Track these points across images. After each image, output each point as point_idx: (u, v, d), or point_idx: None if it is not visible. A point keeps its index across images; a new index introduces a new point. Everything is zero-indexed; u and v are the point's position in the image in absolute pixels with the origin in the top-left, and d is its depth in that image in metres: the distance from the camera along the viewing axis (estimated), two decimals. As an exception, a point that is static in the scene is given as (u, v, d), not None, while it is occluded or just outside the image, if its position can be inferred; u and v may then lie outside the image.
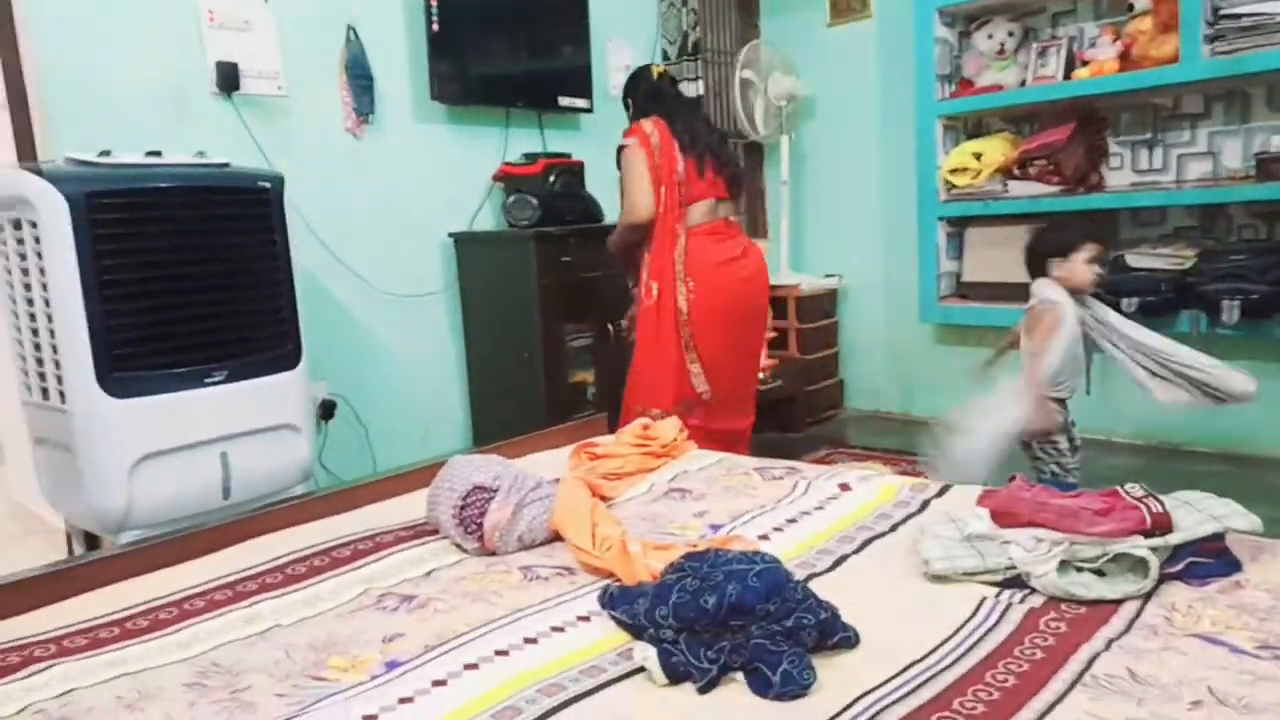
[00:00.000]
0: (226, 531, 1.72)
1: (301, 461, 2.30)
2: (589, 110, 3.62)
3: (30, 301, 1.99)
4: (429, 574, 1.52)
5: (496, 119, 3.38)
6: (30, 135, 2.37)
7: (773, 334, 4.18)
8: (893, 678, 1.06)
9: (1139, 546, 1.22)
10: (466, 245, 3.23)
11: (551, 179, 3.24)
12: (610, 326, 3.28)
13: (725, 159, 2.89)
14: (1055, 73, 3.65)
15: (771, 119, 4.38)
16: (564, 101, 3.52)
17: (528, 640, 1.23)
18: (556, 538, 1.61)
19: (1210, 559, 1.25)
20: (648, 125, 2.79)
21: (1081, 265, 2.41)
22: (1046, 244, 2.49)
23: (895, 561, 1.42)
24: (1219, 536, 1.27)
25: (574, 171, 3.36)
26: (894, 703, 1.00)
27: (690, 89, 4.03)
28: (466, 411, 3.33)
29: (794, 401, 4.21)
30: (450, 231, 3.22)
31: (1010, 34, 3.77)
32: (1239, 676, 1.00)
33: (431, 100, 3.11)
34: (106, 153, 2.04)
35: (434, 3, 3.03)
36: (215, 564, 1.59)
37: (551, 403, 3.06)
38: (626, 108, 2.96)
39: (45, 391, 2.01)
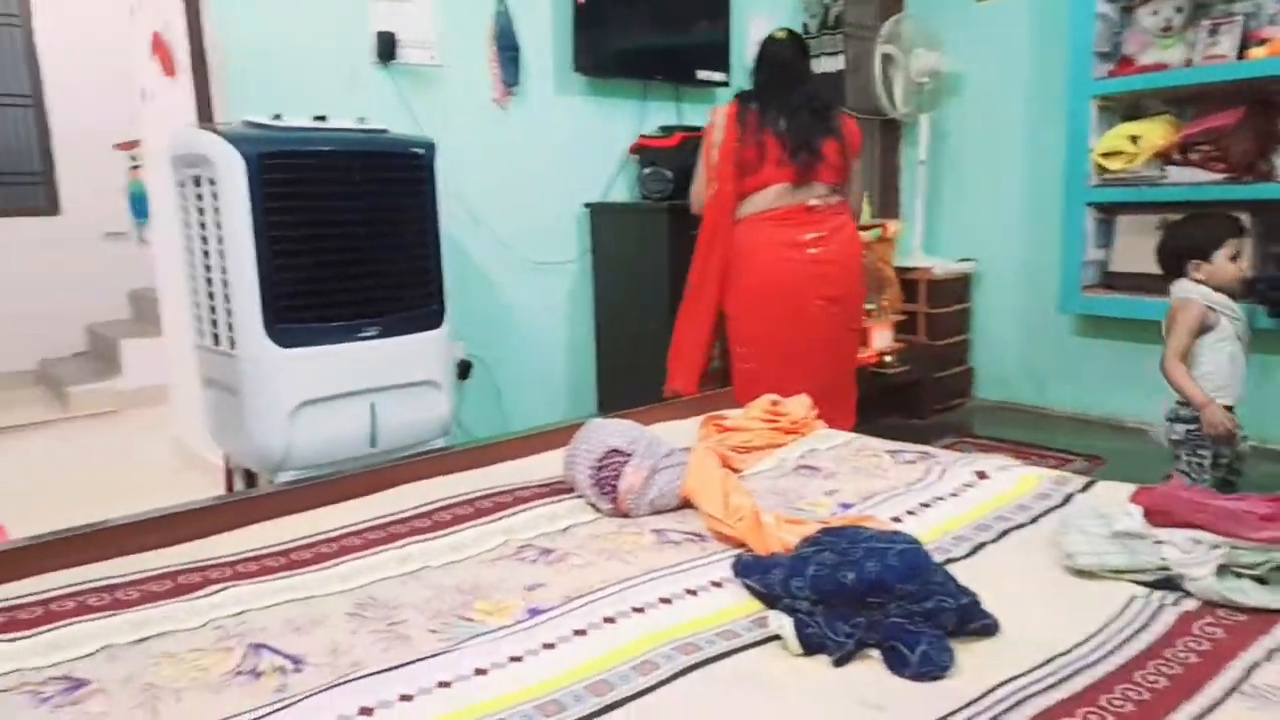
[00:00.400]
0: (375, 477, 1.83)
1: (442, 417, 2.41)
2: (726, 84, 3.61)
3: (207, 253, 2.15)
4: (565, 530, 1.58)
5: (634, 91, 3.41)
6: (208, 97, 2.54)
7: (901, 317, 4.09)
8: (1034, 669, 1.05)
9: None
10: (601, 215, 3.29)
11: (686, 152, 3.25)
12: (738, 302, 3.27)
13: (819, 140, 2.75)
14: (1227, 52, 3.41)
15: (911, 96, 4.26)
16: (701, 75, 3.52)
17: (662, 600, 1.27)
18: (687, 505, 1.64)
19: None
20: (718, 114, 2.80)
21: (1225, 262, 2.28)
22: (1184, 241, 2.36)
23: (1036, 553, 1.39)
24: None
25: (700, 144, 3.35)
26: (1035, 694, 0.99)
27: (830, 64, 3.95)
28: (594, 378, 3.40)
29: (920, 387, 4.12)
30: (585, 202, 3.29)
31: (1178, 10, 3.54)
32: None
33: (573, 72, 3.17)
34: (278, 116, 2.17)
35: (581, -26, 3.07)
36: (367, 506, 1.69)
37: (677, 374, 3.09)
38: None
39: (216, 337, 2.17)
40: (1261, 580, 1.18)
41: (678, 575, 1.35)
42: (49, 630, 1.21)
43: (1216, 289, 2.29)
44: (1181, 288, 2.35)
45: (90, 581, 1.36)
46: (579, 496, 1.71)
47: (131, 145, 4.78)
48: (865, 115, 4.44)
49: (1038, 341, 4.22)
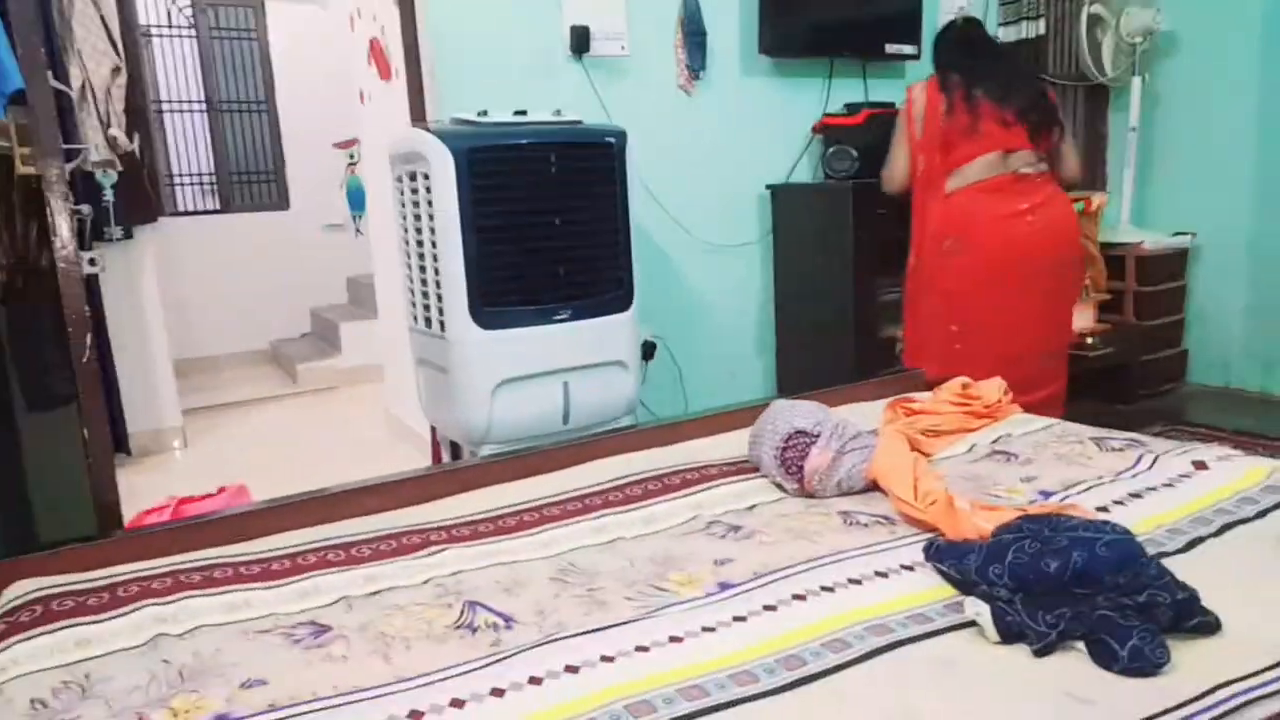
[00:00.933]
0: (570, 452, 1.93)
1: (628, 396, 2.50)
2: (916, 57, 3.48)
3: (420, 243, 2.33)
4: (751, 508, 1.61)
5: (819, 70, 3.37)
6: (421, 97, 2.74)
7: (1106, 296, 3.83)
8: (1260, 671, 0.98)
9: None
10: (783, 197, 3.28)
11: (873, 130, 3.17)
12: (926, 282, 3.18)
13: (1028, 105, 2.71)
14: None
15: (1122, 58, 3.95)
16: (890, 49, 3.42)
17: (851, 581, 1.28)
18: (874, 487, 1.63)
19: None
20: (916, 90, 2.79)
21: None
22: None
23: (1262, 550, 1.29)
24: None
25: (896, 122, 3.26)
26: (1261, 698, 0.94)
27: (1029, 29, 3.73)
28: (772, 361, 3.41)
29: (1126, 371, 3.84)
30: (768, 184, 3.28)
31: None
32: None
33: (759, 54, 3.17)
34: (484, 113, 2.31)
35: (770, -44, 3.06)
36: (563, 479, 1.79)
37: (859, 357, 3.04)
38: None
39: (429, 320, 2.35)
40: None
41: (867, 557, 1.36)
42: (297, 580, 1.37)
43: None
44: None
45: (328, 539, 1.52)
46: (764, 476, 1.73)
47: (349, 144, 5.22)
48: (1068, 82, 4.16)
49: (1266, 321, 3.82)
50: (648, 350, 3.01)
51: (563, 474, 1.83)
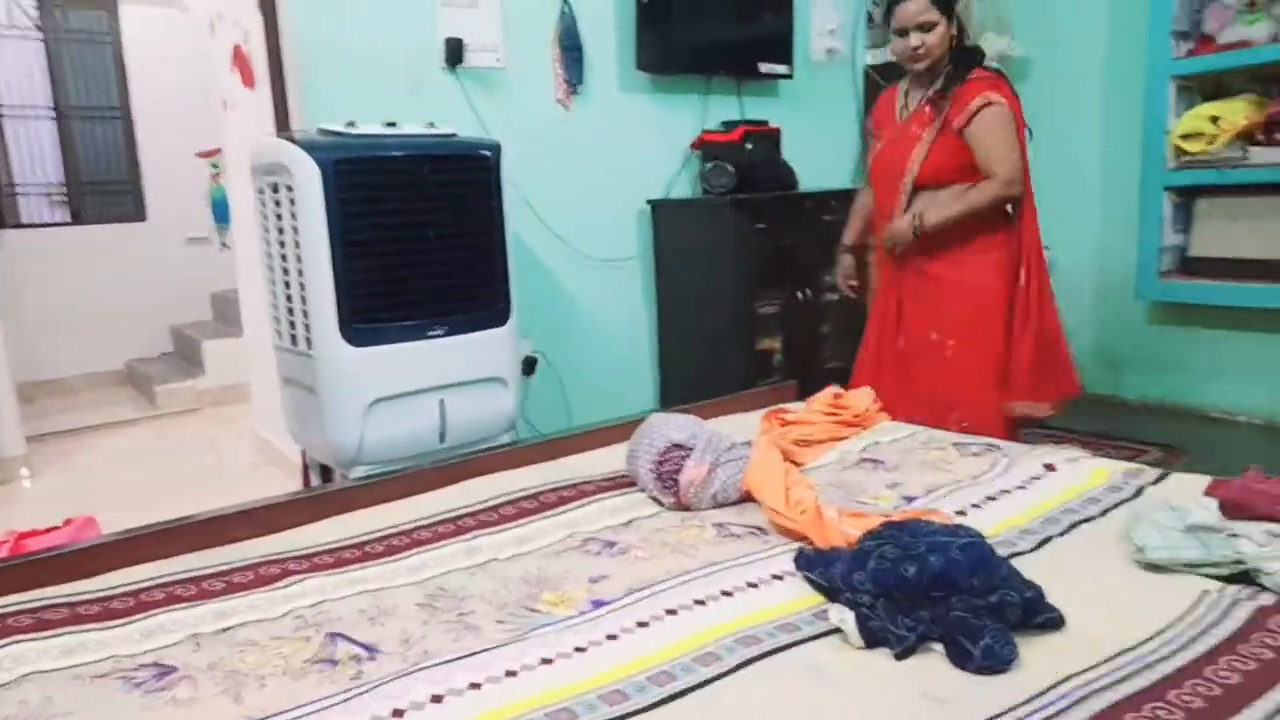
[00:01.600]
0: (444, 472, 1.88)
1: (508, 412, 2.46)
2: (789, 76, 3.59)
3: (284, 257, 2.24)
4: (629, 523, 1.60)
5: (697, 87, 3.42)
6: (285, 107, 2.63)
7: (970, 308, 4.01)
8: (1101, 664, 1.03)
9: None
10: (663, 212, 3.31)
11: (749, 146, 3.25)
12: (800, 294, 3.27)
13: None
14: (1318, 26, 3.26)
15: (980, 82, 4.17)
16: (764, 68, 3.51)
17: (724, 593, 1.28)
18: (748, 498, 1.65)
19: None
20: (1003, 88, 2.38)
21: None
22: None
23: (1105, 547, 1.37)
24: None
25: (771, 139, 3.35)
26: (1102, 689, 0.98)
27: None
28: (655, 373, 3.43)
29: (990, 379, 4.04)
30: (648, 199, 3.31)
31: (1264, -17, 3.39)
32: None
33: (637, 70, 3.19)
34: (352, 123, 2.24)
35: (642, -29, 3.09)
36: (436, 500, 1.74)
37: (739, 368, 3.10)
38: (969, 63, 2.40)
39: (294, 338, 2.26)
40: None
41: (739, 568, 1.37)
42: (140, 619, 1.28)
43: None
44: None
45: (178, 573, 1.43)
46: (641, 490, 1.73)
47: (212, 153, 4.99)
48: (931, 103, 4.36)
49: (1112, 329, 4.10)
50: (529, 365, 2.98)
51: (436, 495, 1.78)
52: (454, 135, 2.36)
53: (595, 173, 3.18)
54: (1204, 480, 1.51)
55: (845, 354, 3.47)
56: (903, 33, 2.36)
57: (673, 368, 3.38)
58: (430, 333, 2.26)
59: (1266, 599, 1.16)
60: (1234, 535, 1.21)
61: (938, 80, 2.40)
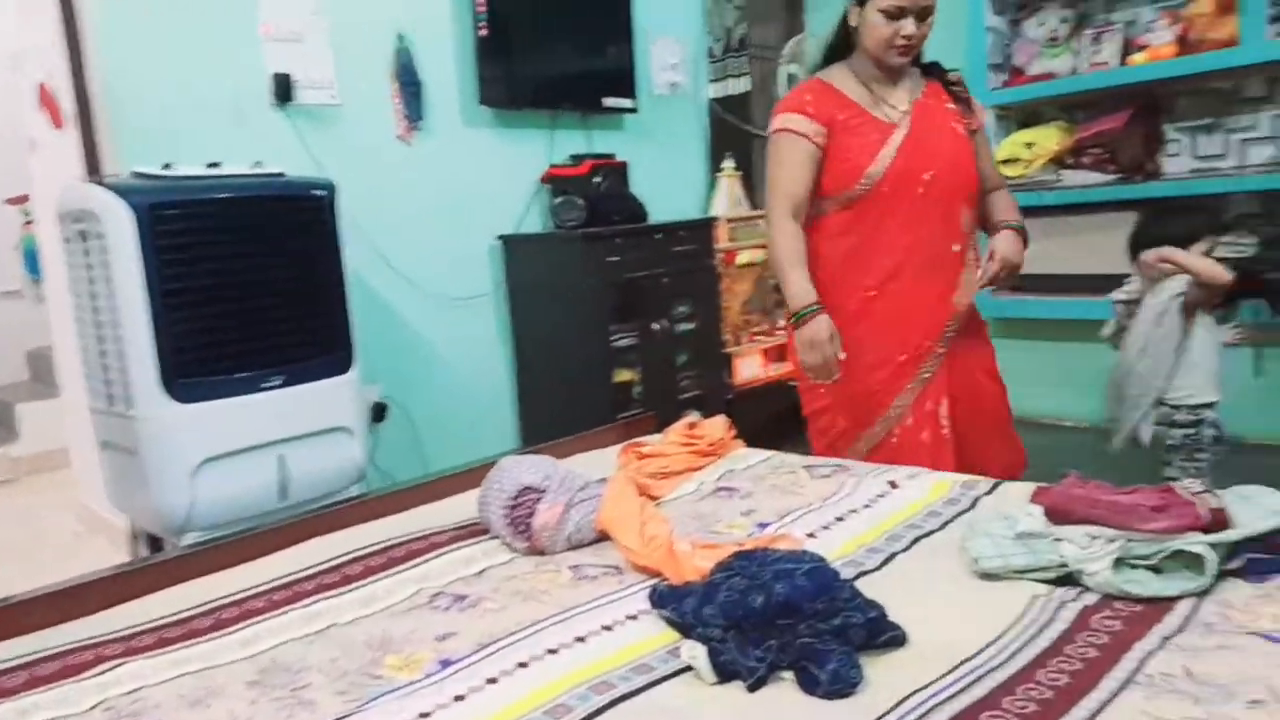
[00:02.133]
0: (284, 533, 1.77)
1: (355, 463, 2.35)
2: (633, 110, 3.63)
3: (98, 310, 2.07)
4: (481, 573, 1.54)
5: (543, 121, 3.42)
6: (95, 149, 2.46)
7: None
8: (942, 676, 1.05)
9: (1196, 543, 1.19)
10: (514, 247, 3.27)
11: (597, 180, 3.26)
12: (655, 325, 3.29)
13: None
14: (1110, 59, 3.56)
15: (817, 114, 4.35)
16: (608, 102, 3.54)
17: (578, 639, 1.24)
18: (605, 537, 1.62)
19: (1271, 554, 1.22)
20: None
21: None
22: (1159, 234, 2.29)
23: (945, 560, 1.41)
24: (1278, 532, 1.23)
25: (619, 172, 3.38)
26: (944, 701, 1.00)
27: (736, 86, 4.02)
28: (514, 412, 3.37)
29: (843, 398, 4.18)
30: (498, 234, 3.26)
31: (1063, 20, 3.70)
32: (1301, 676, 0.97)
33: (479, 105, 3.16)
34: (169, 165, 2.11)
35: (482, 8, 3.07)
36: (274, 564, 1.63)
37: (599, 402, 3.08)
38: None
39: (111, 397, 2.09)
40: (1156, 570, 1.21)
41: (594, 611, 1.33)
42: (-77, 725, 1.13)
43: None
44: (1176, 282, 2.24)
45: (-30, 668, 1.28)
46: (494, 537, 1.67)
47: (20, 199, 4.61)
48: (773, 134, 4.52)
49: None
50: (379, 412, 2.87)
51: (274, 559, 1.67)
52: (282, 175, 2.25)
53: (442, 209, 3.12)
54: (1031, 488, 1.59)
55: (702, 382, 3.53)
56: (895, 14, 1.92)
57: (532, 405, 3.33)
58: (265, 384, 2.14)
59: (1090, 599, 1.21)
60: (1058, 540, 1.27)
61: (908, 75, 2.08)
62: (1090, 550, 1.22)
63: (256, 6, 2.64)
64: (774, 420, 4.02)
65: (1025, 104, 3.86)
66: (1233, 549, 1.22)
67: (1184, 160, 3.56)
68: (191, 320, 2.03)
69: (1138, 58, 3.43)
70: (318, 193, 2.27)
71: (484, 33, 3.07)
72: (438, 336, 3.14)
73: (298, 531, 1.77)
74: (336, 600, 1.46)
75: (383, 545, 1.68)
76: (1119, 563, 1.21)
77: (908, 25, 1.92)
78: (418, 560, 1.60)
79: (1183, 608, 1.17)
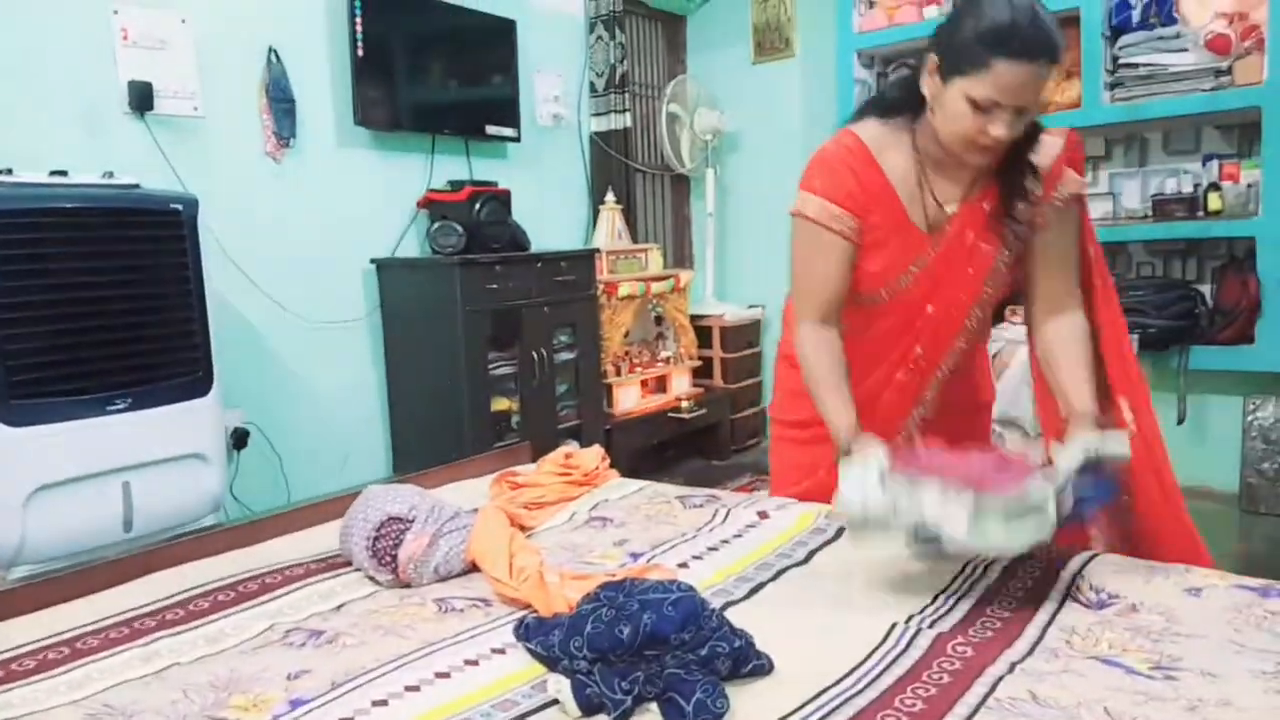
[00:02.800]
0: (125, 565, 1.64)
1: (211, 492, 2.22)
2: (516, 139, 3.62)
3: (-82, 324, 1.89)
4: (339, 608, 1.47)
5: (422, 145, 3.36)
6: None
7: (698, 363, 4.22)
8: (805, 704, 1.06)
9: (1040, 489, 1.27)
10: (389, 272, 3.19)
11: (478, 206, 3.23)
12: (534, 354, 3.27)
13: None
14: (967, 114, 3.80)
15: (697, 152, 4.46)
16: (491, 130, 3.52)
17: (439, 675, 1.20)
18: (474, 569, 1.58)
19: (1098, 481, 1.33)
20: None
21: None
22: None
23: (810, 589, 1.44)
24: (1098, 463, 1.34)
25: (500, 200, 3.35)
26: (807, 728, 1.01)
27: (618, 121, 4.07)
28: (387, 440, 3.27)
29: (719, 430, 4.25)
30: (373, 258, 3.18)
31: (925, 76, 3.91)
32: (1133, 697, 1.03)
33: (355, 125, 3.08)
34: (9, 171, 1.96)
35: (360, 27, 3.00)
36: (112, 600, 1.51)
37: (475, 431, 3.02)
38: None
39: (-67, 419, 1.91)
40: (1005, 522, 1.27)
41: (458, 645, 1.29)
42: None
43: None
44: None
45: None
46: (357, 570, 1.61)
47: None
48: (655, 171, 4.60)
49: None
50: (239, 438, 2.73)
51: (114, 593, 1.54)
52: (137, 187, 2.13)
53: (313, 231, 3.01)
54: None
55: (581, 412, 3.52)
56: (987, 107, 1.37)
57: (406, 434, 3.23)
58: (111, 407, 2.00)
59: (945, 625, 1.26)
60: (916, 485, 1.30)
61: (982, 174, 1.55)
62: (945, 510, 1.27)
63: (113, 10, 2.50)
64: (653, 450, 4.06)
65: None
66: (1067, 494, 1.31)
67: (1033, 212, 3.81)
68: (30, 338, 1.88)
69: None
70: (176, 206, 2.15)
71: (361, 53, 3.01)
72: (307, 361, 3.01)
73: (141, 564, 1.65)
74: (180, 638, 1.37)
75: (234, 579, 1.58)
76: (972, 518, 1.26)
77: (998, 124, 1.37)
78: (272, 595, 1.52)
79: (1031, 633, 1.23)
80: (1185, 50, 3.12)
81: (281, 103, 2.84)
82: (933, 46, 1.46)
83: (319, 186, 3.02)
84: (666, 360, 4.14)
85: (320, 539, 1.80)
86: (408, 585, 1.56)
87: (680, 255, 4.86)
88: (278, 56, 2.85)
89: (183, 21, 2.64)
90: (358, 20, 2.99)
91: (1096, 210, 3.62)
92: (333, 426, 3.10)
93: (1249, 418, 3.19)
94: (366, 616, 1.43)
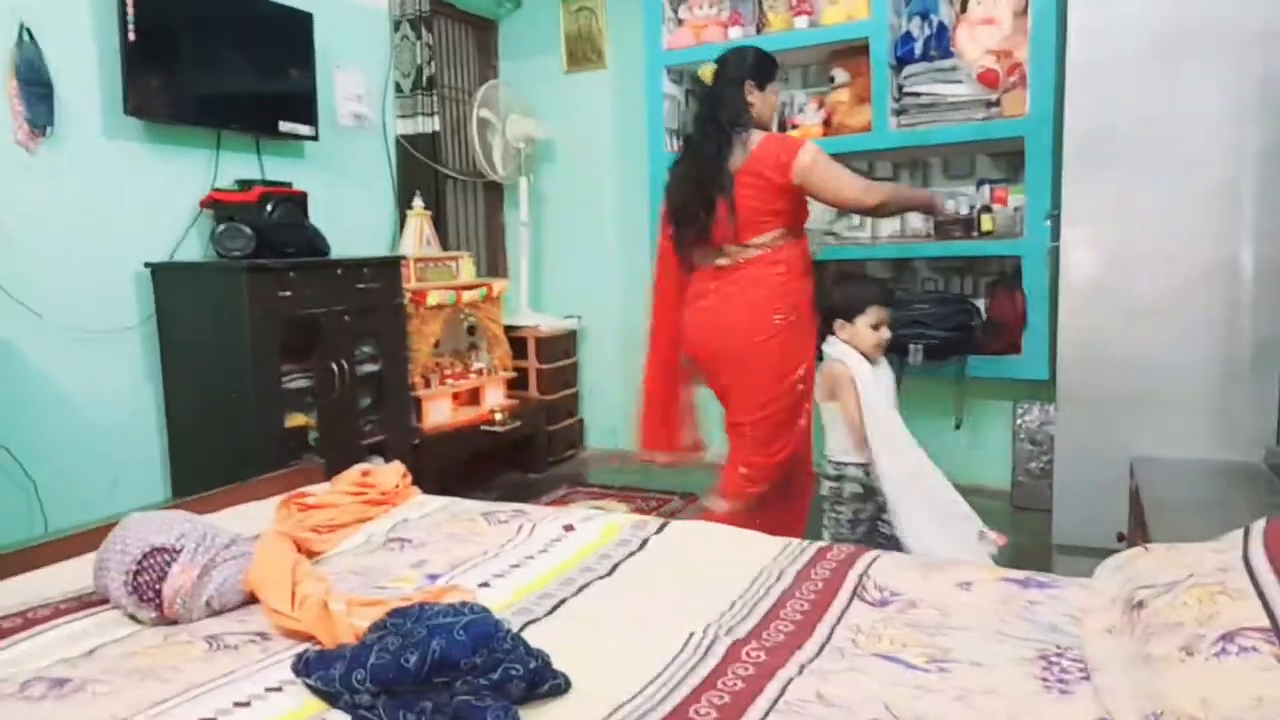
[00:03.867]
0: None
1: (-60, 526, 1.93)
2: (314, 138, 3.42)
3: None
4: (91, 652, 1.31)
5: (206, 141, 3.10)
6: None
7: (512, 374, 4.15)
8: (601, 723, 1.04)
9: None
10: (167, 276, 2.92)
11: (269, 208, 3.02)
12: (335, 366, 3.09)
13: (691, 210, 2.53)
14: (769, 133, 3.95)
15: (511, 160, 4.39)
16: (285, 127, 3.31)
17: (203, 720, 1.09)
18: (253, 601, 1.46)
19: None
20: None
21: (865, 329, 2.28)
22: (830, 301, 2.39)
23: (612, 602, 1.42)
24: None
25: (296, 201, 3.15)
26: (601, 749, 0.98)
27: (426, 124, 3.94)
28: (165, 461, 2.98)
29: (535, 441, 4.20)
30: (147, 261, 2.89)
31: (730, 95, 4.04)
32: (910, 691, 1.08)
33: (126, 115, 2.80)
34: None
35: (131, 8, 2.73)
36: None
37: (267, 449, 2.81)
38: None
39: None
40: None
41: (228, 686, 1.18)
42: None
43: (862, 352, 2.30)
44: (831, 343, 2.34)
45: None
46: (115, 608, 1.44)
47: None
48: (467, 178, 4.50)
49: (637, 391, 4.50)
50: (-17, 463, 2.40)
51: None
52: None
53: (74, 230, 2.70)
54: (699, 524, 1.66)
55: (387, 427, 3.36)
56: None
57: (187, 453, 2.96)
58: None
59: (740, 631, 1.27)
60: None
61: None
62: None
63: None
64: (465, 465, 3.95)
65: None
66: None
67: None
68: None
69: (791, 135, 3.84)
70: (-104, 198, 1.86)
71: (133, 37, 2.74)
72: (67, 374, 2.69)
73: None
74: (-117, 702, 1.17)
75: (-39, 626, 1.38)
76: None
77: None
78: (10, 641, 1.34)
79: (820, 633, 1.26)
80: (960, 82, 3.39)
81: (35, 86, 2.53)
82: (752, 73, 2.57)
83: (82, 181, 2.72)
84: (479, 372, 4.04)
85: (73, 575, 1.61)
86: (175, 622, 1.41)
87: (494, 264, 4.77)
88: (30, 35, 2.54)
89: (-89, -12, 2.31)
90: (129, 1, 2.72)
91: (885, 229, 3.86)
92: (99, 447, 2.78)
93: (1018, 421, 3.49)
94: (123, 660, 1.28)
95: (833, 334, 2.35)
